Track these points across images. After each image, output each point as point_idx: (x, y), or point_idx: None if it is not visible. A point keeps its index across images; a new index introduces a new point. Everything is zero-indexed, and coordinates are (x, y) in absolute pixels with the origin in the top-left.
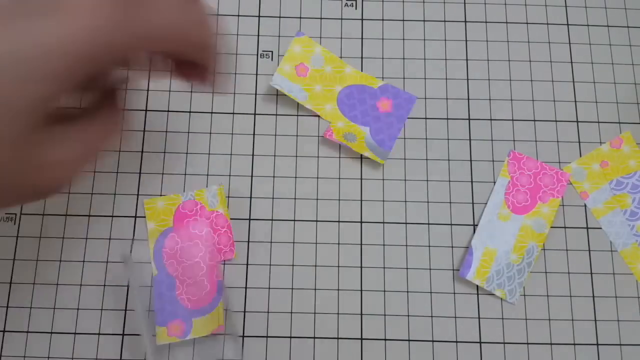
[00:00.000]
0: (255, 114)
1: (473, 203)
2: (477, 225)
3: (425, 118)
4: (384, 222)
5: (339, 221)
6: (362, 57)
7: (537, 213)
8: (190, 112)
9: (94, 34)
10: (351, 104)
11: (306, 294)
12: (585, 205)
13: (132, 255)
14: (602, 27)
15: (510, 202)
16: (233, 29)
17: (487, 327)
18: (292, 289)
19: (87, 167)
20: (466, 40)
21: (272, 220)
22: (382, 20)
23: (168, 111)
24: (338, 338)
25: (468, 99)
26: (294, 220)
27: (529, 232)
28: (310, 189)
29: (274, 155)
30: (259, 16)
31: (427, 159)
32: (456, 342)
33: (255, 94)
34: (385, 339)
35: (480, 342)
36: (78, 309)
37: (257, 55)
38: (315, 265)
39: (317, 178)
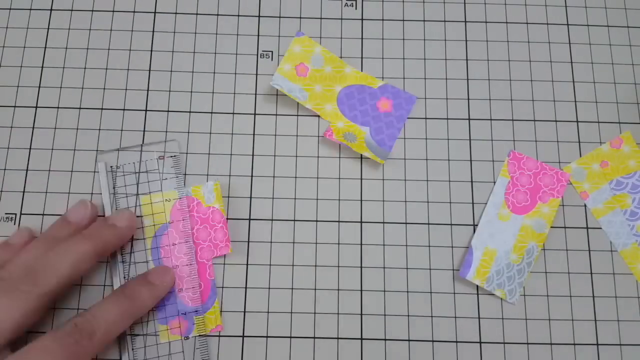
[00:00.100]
0: (255, 114)
1: (473, 203)
2: (477, 225)
3: (425, 118)
4: (384, 222)
5: (339, 221)
6: (362, 57)
7: (537, 213)
8: (190, 112)
9: None
10: (351, 104)
11: (306, 294)
12: (585, 205)
13: (134, 254)
14: (602, 27)
15: (510, 202)
16: (233, 29)
17: (487, 327)
18: (292, 289)
19: None
20: (466, 40)
21: (272, 220)
22: (382, 20)
23: (168, 111)
24: (338, 338)
25: (468, 99)
26: (294, 220)
27: (529, 232)
28: (310, 189)
29: (274, 155)
30: (259, 16)
31: (427, 159)
32: (456, 342)
33: (255, 94)
34: (385, 339)
35: (480, 342)
36: (78, 308)
37: (257, 55)
38: (315, 265)
39: (317, 178)
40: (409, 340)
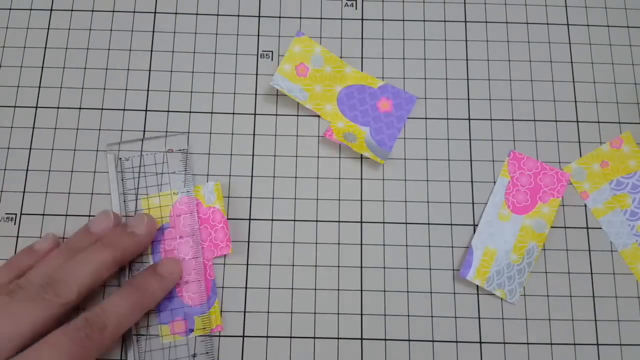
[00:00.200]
0: (255, 114)
1: (473, 203)
2: (477, 225)
3: (425, 118)
4: (384, 222)
5: (339, 221)
6: (362, 57)
7: (537, 213)
8: (190, 112)
9: None
10: (351, 104)
11: (306, 294)
12: (585, 205)
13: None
14: (602, 27)
15: (511, 202)
16: (233, 29)
17: (487, 327)
18: (292, 289)
19: None
20: (466, 40)
21: (272, 220)
22: (382, 20)
23: (168, 111)
24: (338, 338)
25: (468, 99)
26: (294, 220)
27: (529, 232)
28: (310, 189)
29: (274, 155)
30: (259, 16)
31: (427, 159)
32: (456, 342)
33: (256, 94)
34: (385, 339)
35: (480, 342)
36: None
37: (257, 55)
38: (316, 265)
39: (317, 178)
40: (409, 340)
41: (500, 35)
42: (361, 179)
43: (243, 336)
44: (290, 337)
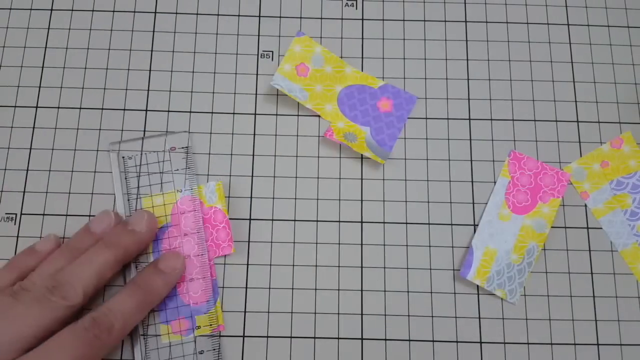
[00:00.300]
0: (255, 114)
1: (473, 203)
2: (477, 225)
3: (426, 118)
4: (384, 222)
5: (339, 221)
6: (362, 57)
7: (538, 213)
8: (190, 112)
9: None
10: (351, 104)
11: (306, 294)
12: (585, 205)
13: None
14: (603, 27)
15: (511, 202)
16: (233, 29)
17: (488, 327)
18: (292, 289)
19: None
20: (466, 40)
21: (272, 220)
22: (382, 20)
23: (168, 111)
24: (338, 338)
25: (468, 99)
26: (294, 220)
27: (529, 232)
28: (310, 189)
29: (274, 155)
30: (259, 16)
31: (427, 159)
32: (456, 342)
33: (256, 94)
34: (385, 339)
35: (480, 342)
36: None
37: (257, 55)
38: (316, 265)
39: (317, 178)
40: (409, 340)
41: (500, 35)
42: (361, 179)
43: (243, 336)
44: (291, 337)
